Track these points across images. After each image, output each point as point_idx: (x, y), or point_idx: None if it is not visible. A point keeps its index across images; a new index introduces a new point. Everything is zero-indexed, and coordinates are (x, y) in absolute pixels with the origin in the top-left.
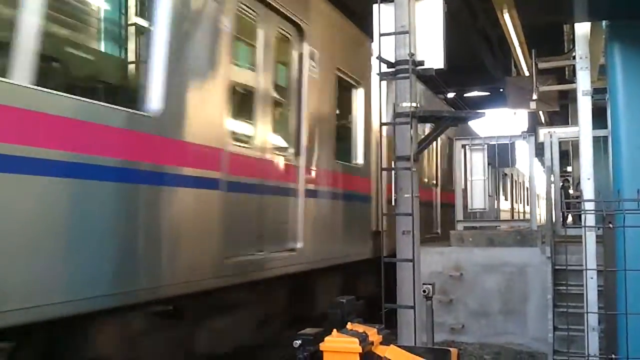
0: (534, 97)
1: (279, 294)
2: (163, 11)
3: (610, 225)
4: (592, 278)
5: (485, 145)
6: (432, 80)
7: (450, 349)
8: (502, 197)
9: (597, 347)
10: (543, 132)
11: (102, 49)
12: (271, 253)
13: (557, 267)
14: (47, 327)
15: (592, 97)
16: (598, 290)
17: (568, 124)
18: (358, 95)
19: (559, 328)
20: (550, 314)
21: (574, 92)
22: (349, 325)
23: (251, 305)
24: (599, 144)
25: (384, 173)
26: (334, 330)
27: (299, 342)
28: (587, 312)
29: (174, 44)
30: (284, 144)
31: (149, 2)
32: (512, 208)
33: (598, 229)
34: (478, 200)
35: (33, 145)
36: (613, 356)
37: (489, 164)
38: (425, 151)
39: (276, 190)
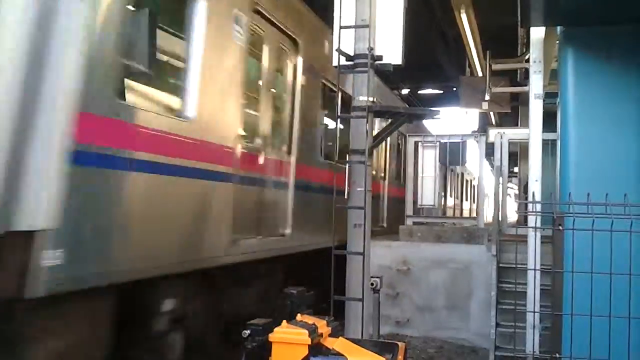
0: (487, 97)
1: None
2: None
3: (560, 228)
4: (535, 278)
5: (437, 143)
6: (387, 76)
7: (398, 343)
8: (451, 195)
9: (538, 345)
10: (493, 133)
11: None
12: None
13: (501, 265)
14: None
15: (544, 100)
16: (541, 289)
17: (517, 125)
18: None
19: (501, 324)
20: (494, 310)
21: (525, 94)
22: (298, 317)
23: None
24: (547, 147)
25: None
26: (284, 321)
27: (247, 332)
28: (530, 311)
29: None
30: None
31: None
32: (462, 206)
33: (543, 230)
34: (428, 197)
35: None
36: (557, 355)
37: (439, 162)
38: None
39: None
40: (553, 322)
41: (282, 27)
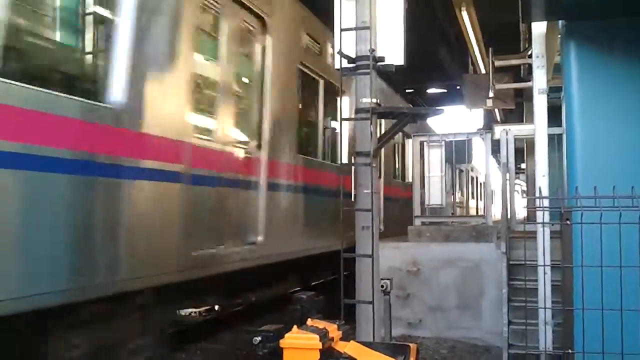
0: (490, 94)
1: None
2: None
3: (568, 222)
4: (546, 274)
5: (443, 142)
6: (390, 77)
7: (410, 344)
8: (458, 193)
9: (551, 341)
10: (499, 130)
11: None
12: None
13: (511, 262)
14: None
15: (548, 95)
16: (553, 285)
17: (523, 121)
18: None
19: (514, 322)
20: (505, 308)
21: (529, 90)
22: (309, 322)
23: None
24: (553, 142)
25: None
26: (294, 326)
27: (258, 338)
28: (541, 308)
29: None
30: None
31: None
32: (468, 204)
33: (552, 225)
34: (435, 197)
35: None
36: (570, 351)
37: (446, 161)
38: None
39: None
40: (564, 317)
41: None
